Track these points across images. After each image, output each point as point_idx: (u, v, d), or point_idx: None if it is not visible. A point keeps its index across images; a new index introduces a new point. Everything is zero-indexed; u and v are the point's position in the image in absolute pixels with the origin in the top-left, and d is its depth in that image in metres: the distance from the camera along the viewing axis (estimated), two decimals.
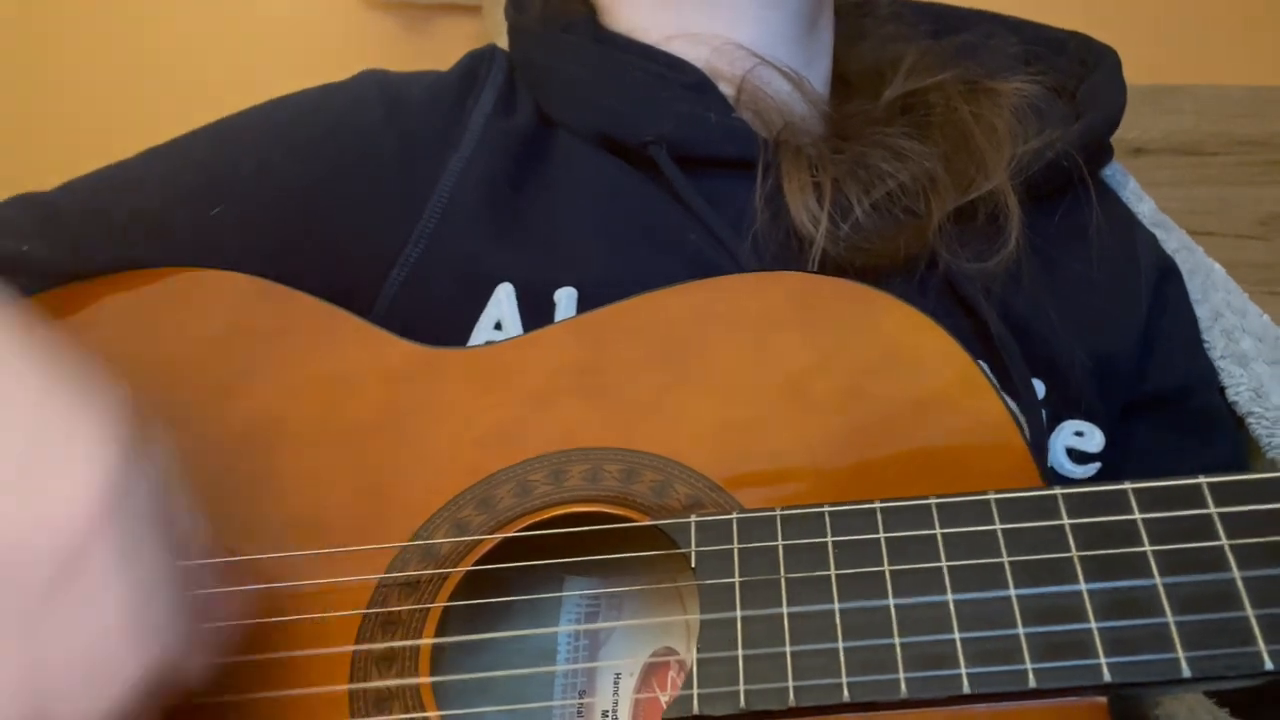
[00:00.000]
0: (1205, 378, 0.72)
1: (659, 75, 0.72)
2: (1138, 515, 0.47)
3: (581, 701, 0.58)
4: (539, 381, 0.59)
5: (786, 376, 0.57)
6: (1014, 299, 0.69)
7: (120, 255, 0.69)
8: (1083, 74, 0.78)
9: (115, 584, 0.44)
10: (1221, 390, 0.72)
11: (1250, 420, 0.70)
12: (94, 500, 0.44)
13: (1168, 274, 0.74)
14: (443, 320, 0.66)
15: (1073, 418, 0.68)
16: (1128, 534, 0.47)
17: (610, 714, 0.57)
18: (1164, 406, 0.71)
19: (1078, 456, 0.67)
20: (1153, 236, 0.76)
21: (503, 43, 0.80)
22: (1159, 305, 0.73)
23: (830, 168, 0.69)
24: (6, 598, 0.43)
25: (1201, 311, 0.74)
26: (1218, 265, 0.77)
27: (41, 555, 0.43)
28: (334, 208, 0.70)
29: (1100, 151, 0.77)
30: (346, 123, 0.72)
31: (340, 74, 0.76)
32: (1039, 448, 0.64)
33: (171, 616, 0.46)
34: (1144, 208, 0.79)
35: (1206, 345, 0.73)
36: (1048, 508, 0.48)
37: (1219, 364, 0.72)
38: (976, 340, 0.67)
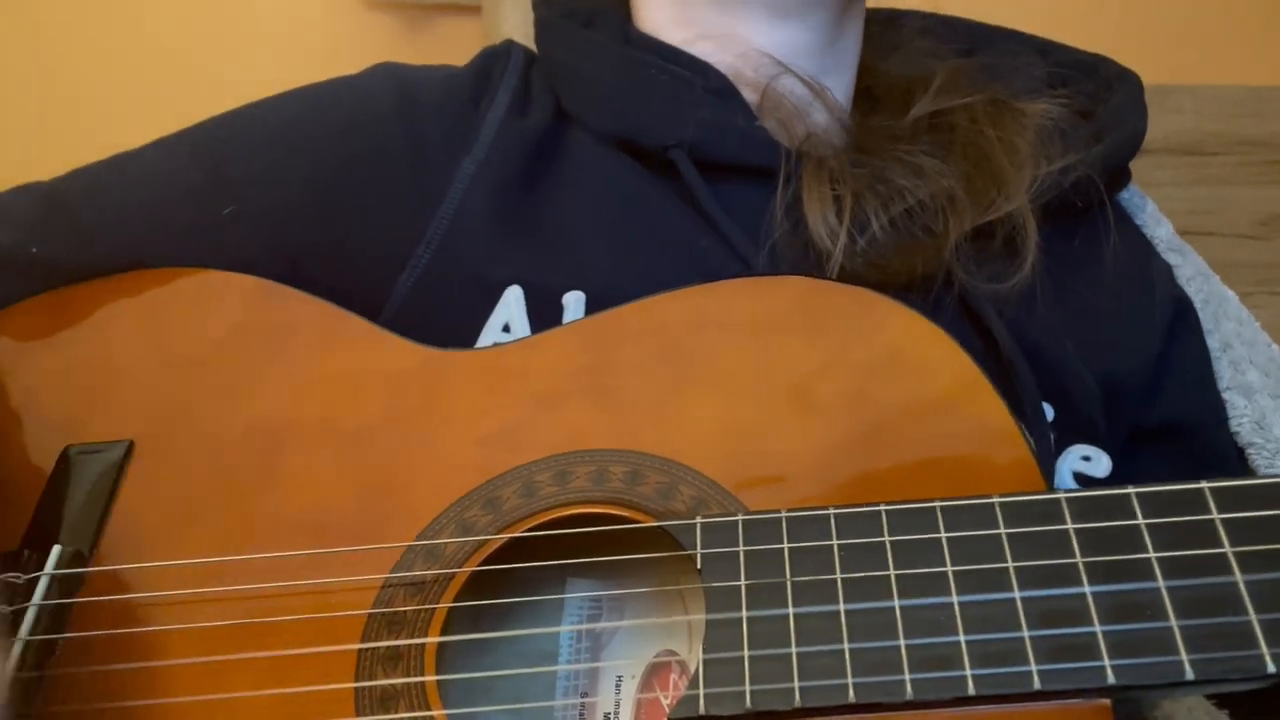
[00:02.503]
0: (1216, 415, 0.72)
1: (683, 79, 0.71)
2: (1141, 520, 0.47)
3: (584, 702, 0.58)
4: (544, 383, 0.60)
5: (791, 380, 0.57)
6: (1027, 322, 0.68)
7: (126, 252, 0.69)
8: (1106, 97, 0.77)
9: None
10: (1228, 427, 0.72)
11: (1250, 451, 0.70)
12: None
13: (1183, 309, 0.74)
14: (451, 322, 0.66)
15: (1080, 442, 0.68)
16: (1131, 538, 0.47)
17: (612, 715, 0.57)
18: (1173, 440, 0.71)
19: (1084, 481, 0.67)
20: (1167, 267, 0.76)
21: (510, 39, 0.80)
22: (1173, 339, 0.73)
23: (850, 181, 0.68)
24: None
25: (1211, 342, 0.74)
26: (1232, 294, 0.77)
27: None
28: (344, 208, 0.70)
29: (1119, 175, 0.77)
30: (358, 122, 0.71)
31: (340, 73, 0.75)
32: (1046, 471, 0.64)
33: None
34: (1161, 232, 0.78)
35: (1214, 376, 0.73)
36: (1052, 512, 0.48)
37: (1225, 395, 0.73)
38: (988, 362, 0.66)
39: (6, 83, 1.59)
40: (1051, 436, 0.66)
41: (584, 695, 0.58)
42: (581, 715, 0.57)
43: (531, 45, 0.79)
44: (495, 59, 0.77)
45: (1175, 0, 1.73)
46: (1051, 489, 0.49)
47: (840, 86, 0.76)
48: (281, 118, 0.73)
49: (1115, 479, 0.67)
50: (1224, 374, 0.73)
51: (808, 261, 0.68)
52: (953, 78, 0.76)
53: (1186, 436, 0.72)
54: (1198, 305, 0.75)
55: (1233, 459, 0.71)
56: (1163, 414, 0.71)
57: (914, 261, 0.67)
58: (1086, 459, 0.67)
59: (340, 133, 0.71)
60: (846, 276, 0.66)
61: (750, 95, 0.72)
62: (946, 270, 0.67)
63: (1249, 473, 0.71)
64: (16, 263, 0.68)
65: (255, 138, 0.72)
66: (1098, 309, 0.71)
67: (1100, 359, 0.69)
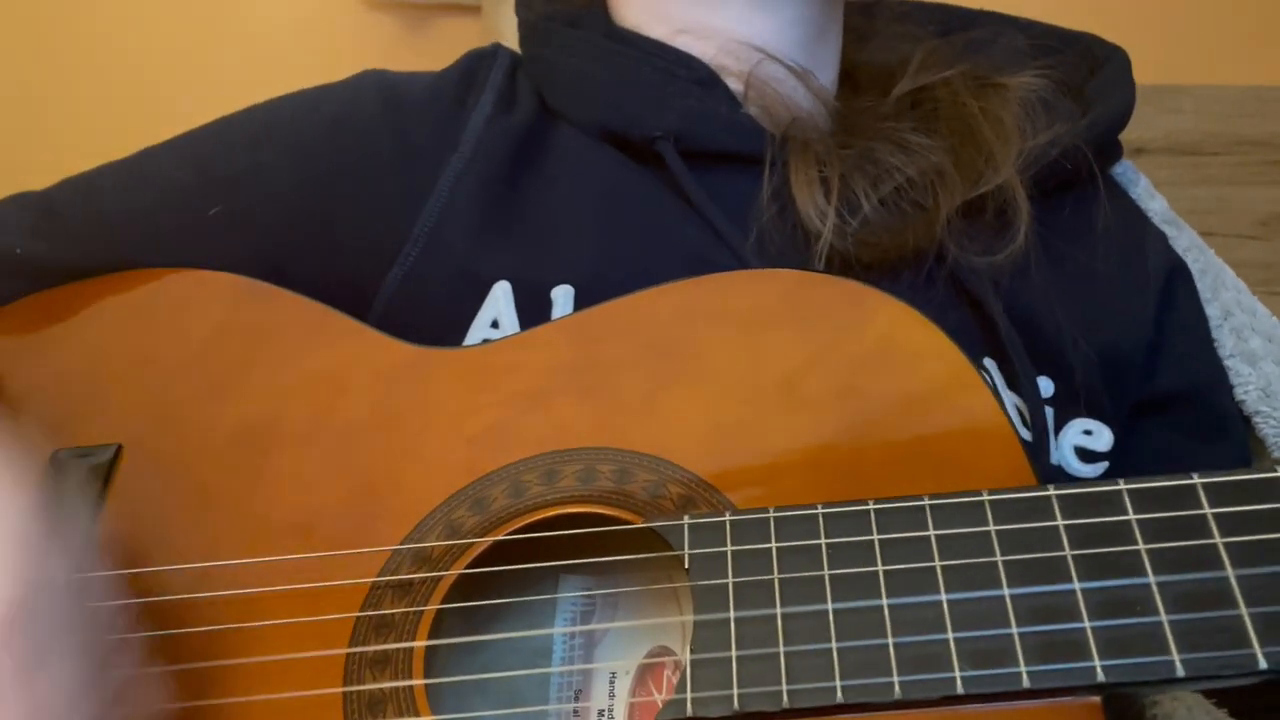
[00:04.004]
0: (1215, 379, 0.72)
1: (666, 70, 0.71)
2: (1132, 515, 0.47)
3: (577, 704, 0.57)
4: (531, 381, 0.59)
5: (779, 375, 0.57)
6: (1022, 294, 0.68)
7: (115, 253, 0.69)
8: (1091, 71, 0.78)
9: (15, 703, 0.44)
10: (1230, 390, 0.72)
11: (1257, 419, 0.70)
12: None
13: (1177, 274, 0.74)
14: (440, 319, 0.66)
15: (1081, 416, 0.67)
16: (1122, 533, 0.47)
17: (606, 714, 0.57)
18: (1173, 407, 0.71)
19: (1086, 455, 0.67)
20: (1162, 235, 0.76)
21: (503, 42, 0.80)
22: (1168, 305, 0.72)
23: (837, 163, 0.69)
24: None
25: (1211, 310, 0.74)
26: (1227, 267, 0.77)
27: None
28: (332, 207, 0.70)
29: (1109, 148, 0.77)
30: (345, 123, 0.72)
31: (340, 74, 0.76)
32: (1043, 446, 0.64)
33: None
34: (1155, 205, 0.78)
35: (1216, 344, 0.73)
36: (1042, 508, 0.48)
37: (1228, 363, 0.72)
38: (983, 336, 0.67)
39: (5, 86, 1.60)
40: (1049, 411, 0.66)
41: (578, 694, 0.58)
42: (576, 715, 0.57)
43: None
44: (480, 60, 0.77)
45: (1175, 0, 1.73)
46: (1042, 485, 0.49)
47: (826, 73, 0.77)
48: (269, 121, 0.73)
49: (1119, 452, 0.67)
50: (1226, 342, 0.73)
51: (797, 245, 0.68)
52: (932, 56, 0.76)
53: (1188, 403, 0.71)
54: (1195, 275, 0.75)
55: (1238, 424, 0.71)
56: (1164, 383, 0.71)
57: (905, 238, 0.67)
58: (1088, 433, 0.67)
59: (328, 134, 0.71)
60: (836, 256, 0.67)
61: (734, 84, 0.72)
62: (939, 245, 0.68)
63: (1255, 441, 0.71)
64: (5, 265, 0.68)
65: (243, 139, 0.72)
66: (1092, 280, 0.71)
67: (1098, 331, 0.69)
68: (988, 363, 0.66)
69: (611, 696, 0.57)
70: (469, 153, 0.71)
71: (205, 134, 0.74)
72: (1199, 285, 0.75)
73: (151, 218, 0.70)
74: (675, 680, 0.57)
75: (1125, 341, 0.70)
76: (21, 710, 0.44)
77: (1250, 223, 1.44)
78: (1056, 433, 0.67)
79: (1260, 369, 0.71)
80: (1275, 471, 0.47)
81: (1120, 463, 0.68)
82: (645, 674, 0.58)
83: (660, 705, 0.54)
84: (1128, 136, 0.77)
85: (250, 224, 0.69)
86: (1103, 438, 0.67)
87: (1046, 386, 0.67)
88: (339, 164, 0.70)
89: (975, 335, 0.67)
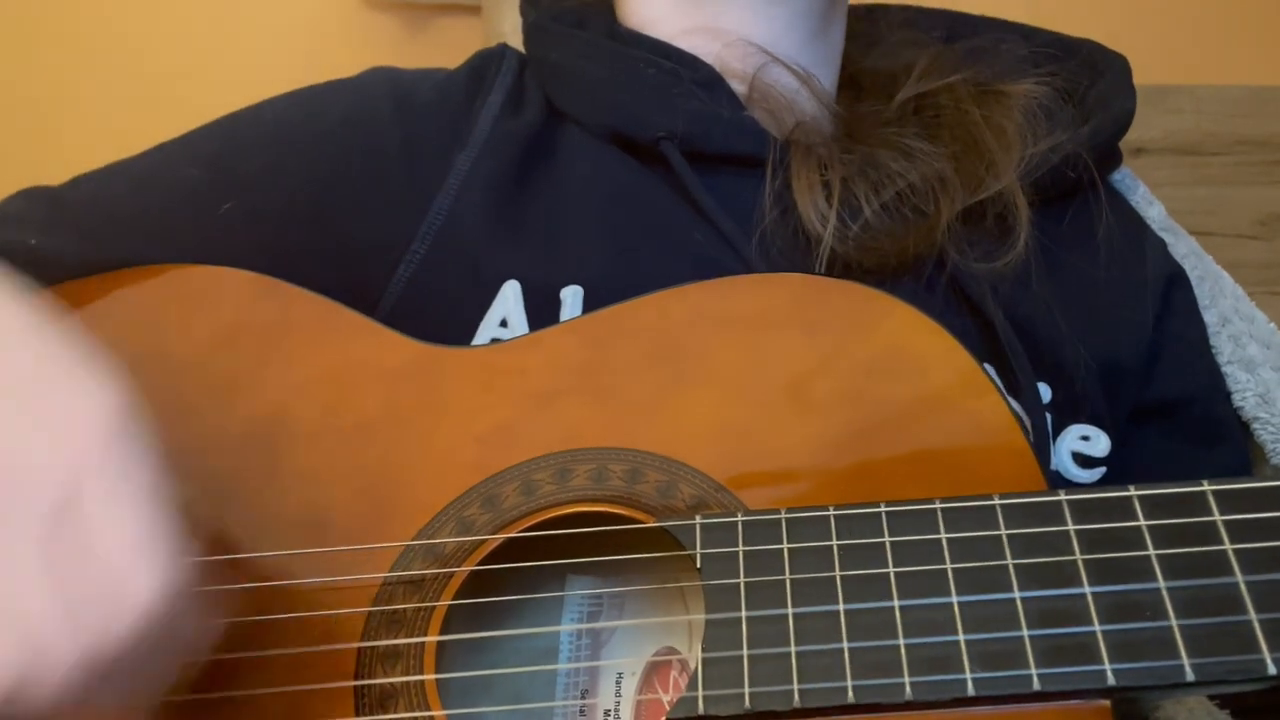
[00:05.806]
0: (1213, 385, 0.72)
1: (671, 72, 0.72)
2: (1142, 521, 0.47)
3: (584, 701, 0.58)
4: (543, 381, 0.60)
5: (789, 377, 0.57)
6: (1021, 300, 0.69)
7: (127, 250, 0.69)
8: (1092, 79, 0.78)
9: (124, 501, 0.45)
10: (1228, 396, 0.72)
11: (1255, 426, 0.70)
12: (100, 421, 0.45)
13: (1176, 280, 0.74)
14: (449, 317, 0.66)
15: (1079, 422, 0.68)
16: (1132, 539, 0.47)
17: (612, 713, 0.57)
18: (1171, 413, 0.71)
19: (1083, 461, 0.67)
20: (1161, 242, 0.76)
21: (504, 42, 0.80)
22: (1167, 311, 0.73)
23: (839, 167, 0.69)
24: (17, 513, 0.43)
25: (1209, 317, 0.74)
26: (1225, 273, 0.77)
27: (51, 473, 0.44)
28: (341, 204, 0.70)
29: (1109, 155, 0.77)
30: (354, 120, 0.72)
31: (340, 74, 0.76)
32: (1043, 451, 0.64)
33: (178, 541, 0.46)
34: (1153, 212, 0.79)
35: (1214, 351, 0.73)
36: (1053, 513, 0.48)
37: (1226, 369, 0.72)
38: (982, 341, 0.67)
39: (6, 87, 1.60)
40: (1049, 417, 0.66)
41: (584, 693, 0.58)
42: (582, 713, 0.57)
43: None
44: (489, 60, 0.77)
45: (1175, 0, 1.73)
46: (1053, 490, 0.49)
47: (828, 75, 0.77)
48: (280, 118, 0.73)
49: (1115, 459, 0.68)
50: (1224, 349, 0.73)
51: (798, 248, 0.68)
52: (935, 62, 0.77)
53: (1186, 409, 0.72)
54: (1193, 282, 0.75)
55: (1235, 430, 0.71)
56: (1162, 390, 0.71)
57: (906, 243, 0.67)
58: (1085, 439, 0.67)
59: (337, 132, 0.72)
60: (838, 260, 0.67)
61: (738, 86, 0.73)
62: (939, 251, 0.68)
63: (1254, 447, 0.71)
64: (17, 259, 0.68)
65: (254, 137, 0.72)
66: (1092, 287, 0.72)
67: (1095, 335, 0.69)
68: (987, 368, 0.66)
69: (618, 695, 0.58)
70: (477, 151, 0.71)
71: (215, 131, 0.74)
72: (1197, 292, 0.75)
73: (163, 214, 0.70)
74: (682, 680, 0.57)
75: (1124, 348, 0.70)
76: (130, 513, 0.45)
77: (1250, 223, 1.44)
78: (1054, 438, 0.67)
79: (1258, 375, 0.72)
80: None
81: (1118, 468, 0.68)
82: (651, 673, 0.58)
83: (666, 705, 0.55)
84: (1128, 136, 0.77)
85: (261, 221, 0.70)
86: (1100, 443, 0.67)
87: (1045, 392, 0.68)
88: (349, 162, 0.70)
89: (975, 341, 0.67)
